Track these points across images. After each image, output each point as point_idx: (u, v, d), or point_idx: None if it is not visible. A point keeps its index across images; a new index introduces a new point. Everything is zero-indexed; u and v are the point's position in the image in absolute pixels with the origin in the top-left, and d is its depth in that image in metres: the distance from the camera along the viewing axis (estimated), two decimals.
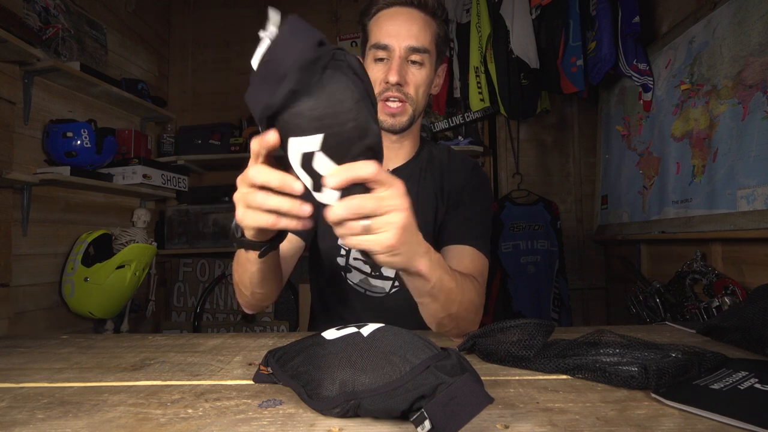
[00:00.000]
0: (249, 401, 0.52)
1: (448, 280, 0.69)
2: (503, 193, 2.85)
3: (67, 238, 2.06)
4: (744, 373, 0.54)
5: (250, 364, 0.68)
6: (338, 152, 0.46)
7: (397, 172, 1.01)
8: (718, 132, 1.79)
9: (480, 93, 2.68)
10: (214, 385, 0.58)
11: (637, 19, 2.20)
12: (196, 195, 2.79)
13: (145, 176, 2.29)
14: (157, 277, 2.63)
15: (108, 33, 2.40)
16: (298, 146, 0.46)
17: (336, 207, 0.49)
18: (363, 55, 1.00)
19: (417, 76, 0.93)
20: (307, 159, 0.46)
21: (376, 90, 0.93)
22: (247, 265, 0.73)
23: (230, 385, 0.58)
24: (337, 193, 0.48)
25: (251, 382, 0.60)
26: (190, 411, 0.50)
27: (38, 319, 1.92)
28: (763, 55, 1.59)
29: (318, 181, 0.48)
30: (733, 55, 1.73)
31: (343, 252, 0.99)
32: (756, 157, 1.60)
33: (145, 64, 2.77)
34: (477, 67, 2.67)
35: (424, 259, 0.62)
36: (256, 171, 0.51)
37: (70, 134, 1.91)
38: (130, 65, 2.62)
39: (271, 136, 0.48)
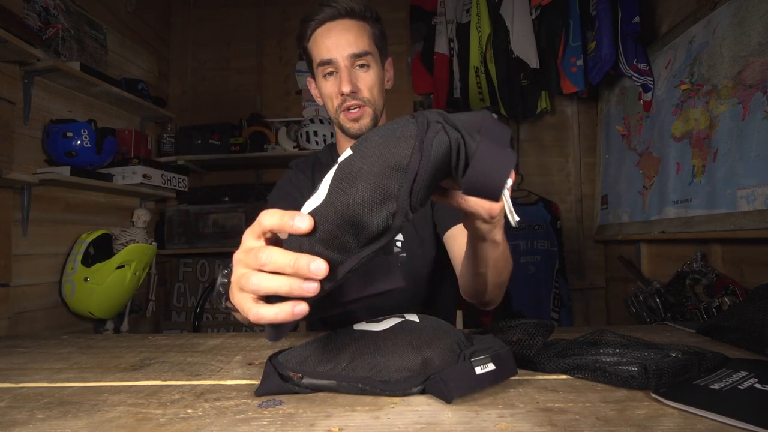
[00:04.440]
0: (249, 401, 0.52)
1: (507, 249, 0.71)
2: None
3: (66, 238, 2.06)
4: (744, 373, 0.54)
5: (250, 364, 0.68)
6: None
7: None
8: (718, 132, 1.79)
9: (480, 93, 2.69)
10: (213, 385, 0.58)
11: (637, 19, 2.20)
12: (196, 195, 2.79)
13: (145, 176, 2.30)
14: (157, 277, 2.64)
15: (108, 33, 2.40)
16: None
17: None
18: (313, 76, 1.05)
19: (367, 79, 0.98)
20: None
21: (335, 103, 0.99)
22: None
23: (230, 385, 0.58)
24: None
25: (251, 382, 0.60)
26: (189, 411, 0.50)
27: (38, 319, 1.92)
28: (763, 55, 1.59)
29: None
30: (733, 55, 1.73)
31: None
32: (756, 157, 1.60)
33: (145, 64, 2.78)
34: (477, 67, 2.67)
35: (500, 227, 0.61)
36: (270, 253, 0.42)
37: (70, 134, 1.92)
38: (130, 65, 2.63)
39: (307, 222, 0.41)
